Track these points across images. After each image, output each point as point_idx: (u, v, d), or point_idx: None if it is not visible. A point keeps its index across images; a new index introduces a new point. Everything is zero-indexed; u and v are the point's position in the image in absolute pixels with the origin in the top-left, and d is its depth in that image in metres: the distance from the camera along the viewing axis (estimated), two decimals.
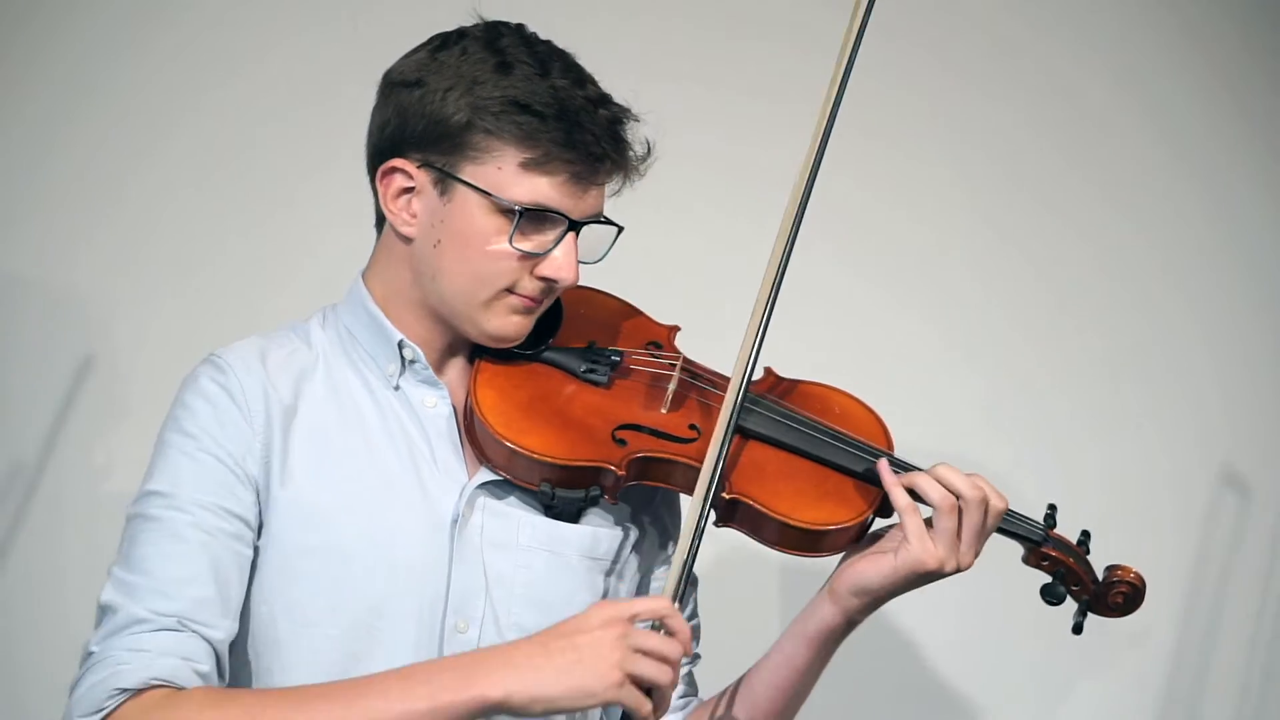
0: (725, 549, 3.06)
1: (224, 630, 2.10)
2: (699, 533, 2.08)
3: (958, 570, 2.21)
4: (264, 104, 3.18)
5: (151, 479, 2.15)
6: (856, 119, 3.28)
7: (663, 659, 1.99)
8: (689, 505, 2.11)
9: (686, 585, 2.11)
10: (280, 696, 2.04)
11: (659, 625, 2.01)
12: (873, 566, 2.21)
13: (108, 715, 2.01)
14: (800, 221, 2.19)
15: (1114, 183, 3.39)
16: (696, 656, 2.41)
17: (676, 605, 2.04)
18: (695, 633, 2.40)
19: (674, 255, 3.20)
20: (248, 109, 3.18)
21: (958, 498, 2.20)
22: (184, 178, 3.17)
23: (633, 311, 2.40)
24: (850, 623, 2.25)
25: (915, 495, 2.22)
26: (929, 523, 2.21)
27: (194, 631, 2.07)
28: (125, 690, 2.01)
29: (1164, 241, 3.40)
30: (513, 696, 1.97)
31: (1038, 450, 3.32)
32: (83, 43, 3.16)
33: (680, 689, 2.36)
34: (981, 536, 2.22)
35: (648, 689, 1.99)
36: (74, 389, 3.11)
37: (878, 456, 2.25)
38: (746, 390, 2.17)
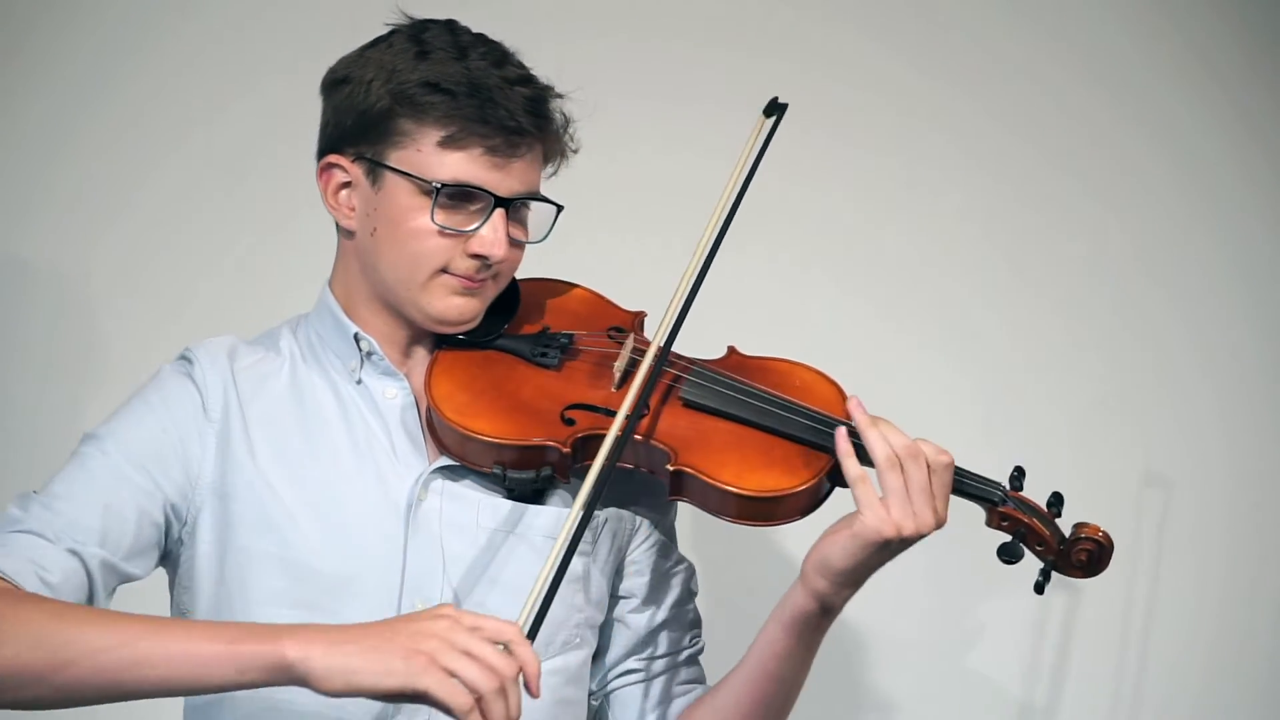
0: (737, 542, 3.07)
1: (97, 555, 2.13)
2: (594, 501, 2.10)
3: (918, 533, 2.17)
4: (274, 109, 3.21)
5: (99, 426, 2.23)
6: (844, 123, 3.32)
7: (488, 667, 1.93)
8: (593, 469, 2.13)
9: (576, 542, 2.09)
10: (93, 611, 2.06)
11: (506, 648, 1.96)
12: (834, 541, 2.18)
13: None
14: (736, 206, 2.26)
15: (1103, 184, 3.35)
16: (700, 645, 2.41)
17: (558, 562, 2.05)
18: (695, 621, 2.40)
19: (631, 247, 3.22)
20: (259, 114, 3.22)
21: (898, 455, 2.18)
22: (195, 181, 3.22)
23: (596, 299, 2.42)
24: (824, 607, 2.22)
25: (866, 461, 2.20)
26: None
27: (65, 547, 2.12)
28: None
29: (1155, 243, 3.36)
30: (312, 660, 1.92)
31: (1024, 450, 3.18)
32: (97, 41, 3.21)
33: (678, 675, 2.38)
34: (930, 493, 2.18)
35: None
36: (79, 385, 3.16)
37: (829, 424, 2.24)
38: (665, 354, 2.21)
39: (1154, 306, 3.34)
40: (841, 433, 2.20)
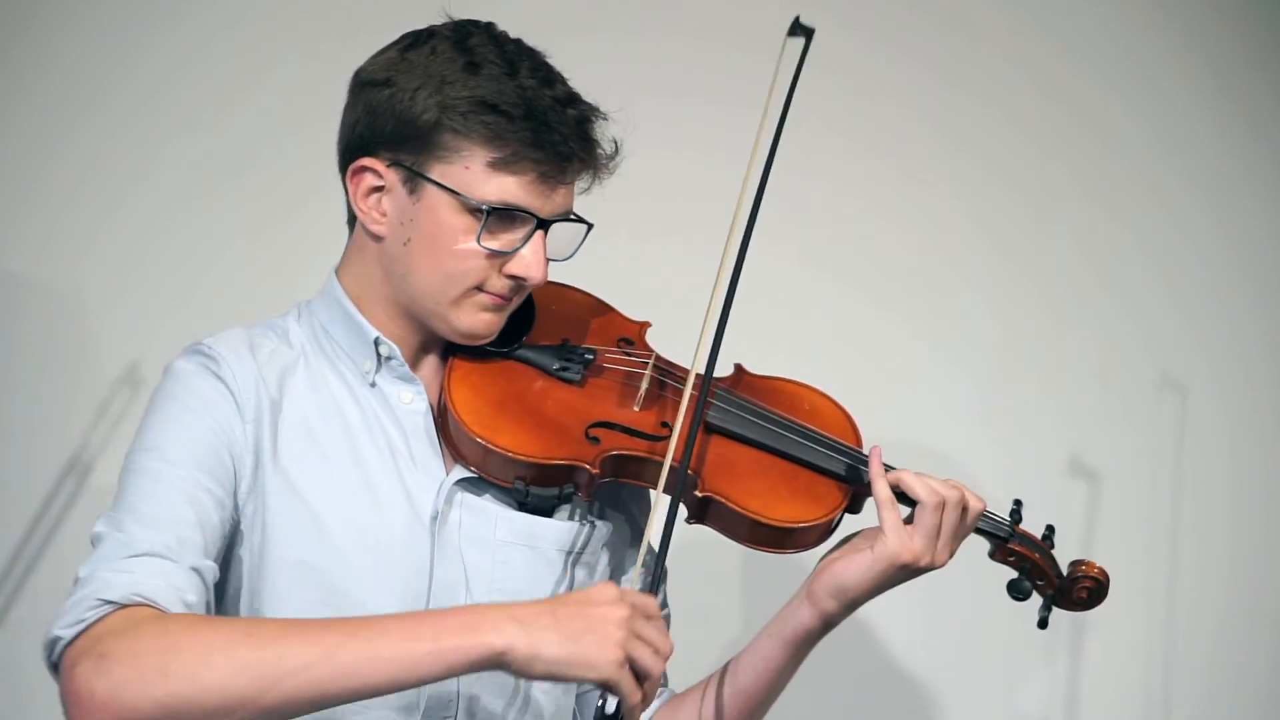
0: (691, 540, 3.08)
1: (209, 570, 2.08)
2: (669, 530, 2.09)
3: (931, 567, 2.23)
4: (268, 110, 3.19)
5: (142, 438, 2.14)
6: (847, 121, 3.32)
7: (659, 654, 1.99)
8: (658, 504, 2.13)
9: (657, 581, 2.13)
10: (279, 623, 2.03)
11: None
12: (850, 565, 2.22)
13: (90, 625, 1.96)
14: (755, 215, 2.22)
15: (1105, 182, 3.36)
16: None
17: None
18: (666, 624, 2.40)
19: (643, 251, 3.22)
20: (252, 115, 3.20)
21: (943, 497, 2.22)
22: (185, 186, 3.19)
23: (604, 308, 2.41)
24: (826, 625, 2.26)
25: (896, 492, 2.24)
26: (908, 520, 2.23)
27: (188, 565, 2.05)
28: (109, 602, 1.97)
29: (1157, 243, 3.37)
30: (515, 649, 1.94)
31: (1021, 451, 3.31)
32: (90, 44, 3.17)
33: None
34: (958, 536, 2.24)
35: (639, 679, 1.98)
36: (73, 392, 3.13)
37: (851, 455, 2.27)
38: (707, 391, 2.19)
39: (1155, 302, 3.36)
40: (876, 452, 2.24)
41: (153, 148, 3.18)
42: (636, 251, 3.19)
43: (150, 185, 3.17)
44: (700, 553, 2.81)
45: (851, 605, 2.24)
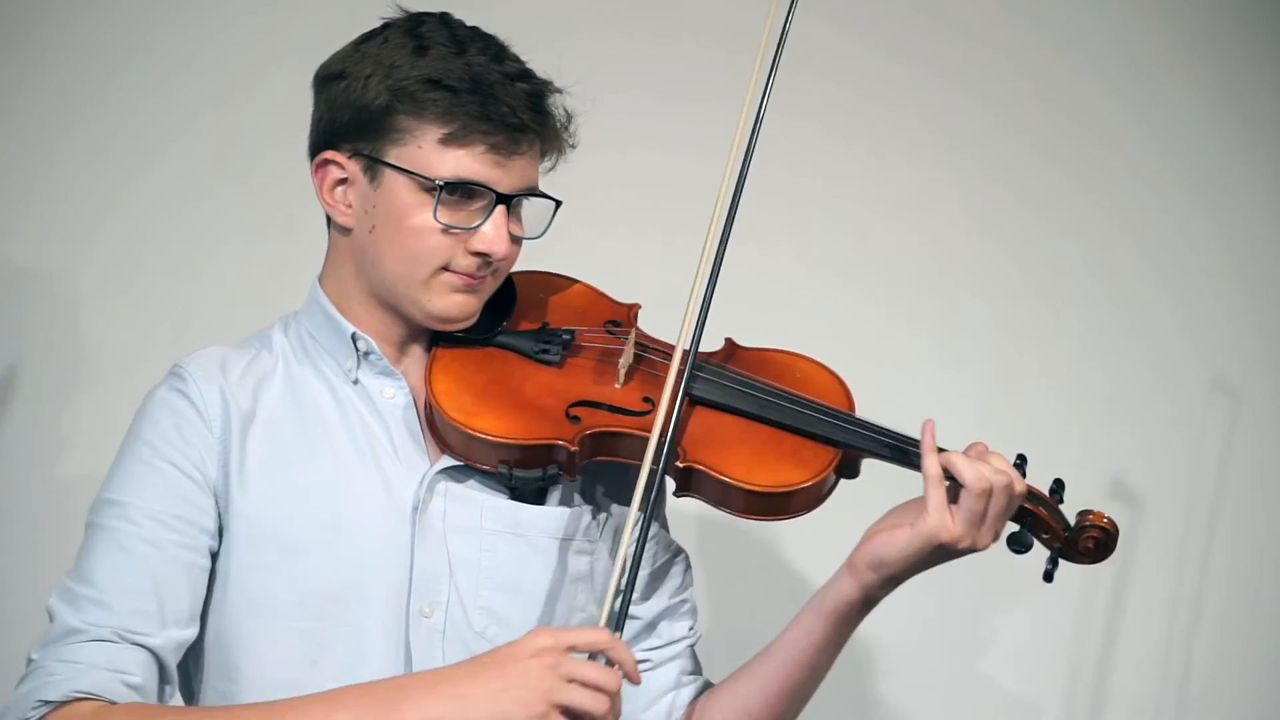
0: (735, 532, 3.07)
1: (165, 639, 2.12)
2: (648, 504, 2.10)
3: (973, 550, 2.19)
4: (265, 109, 3.19)
5: (109, 488, 2.18)
6: (847, 122, 3.32)
7: (598, 689, 1.99)
8: (641, 478, 2.12)
9: (638, 561, 2.12)
10: (205, 714, 2.08)
11: (600, 655, 2.02)
12: (890, 539, 2.19)
13: None
14: (740, 192, 2.22)
15: (1105, 182, 3.35)
16: (698, 636, 2.41)
17: (623, 579, 2.07)
18: (693, 610, 2.41)
19: (633, 238, 3.23)
20: (249, 113, 3.21)
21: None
22: (184, 181, 3.20)
23: (591, 292, 2.42)
24: (868, 599, 2.23)
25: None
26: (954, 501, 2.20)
27: (130, 643, 2.09)
28: (49, 702, 2.03)
29: (1157, 242, 3.35)
30: None
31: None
32: (91, 43, 3.19)
33: (682, 665, 2.38)
34: (1002, 520, 2.20)
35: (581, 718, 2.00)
36: (69, 385, 3.14)
37: (835, 416, 2.26)
38: (694, 362, 2.20)
39: (1154, 303, 3.35)
40: (929, 426, 2.21)
41: (152, 145, 3.19)
42: (619, 241, 3.20)
43: (149, 183, 3.18)
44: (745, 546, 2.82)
45: (891, 579, 2.21)
